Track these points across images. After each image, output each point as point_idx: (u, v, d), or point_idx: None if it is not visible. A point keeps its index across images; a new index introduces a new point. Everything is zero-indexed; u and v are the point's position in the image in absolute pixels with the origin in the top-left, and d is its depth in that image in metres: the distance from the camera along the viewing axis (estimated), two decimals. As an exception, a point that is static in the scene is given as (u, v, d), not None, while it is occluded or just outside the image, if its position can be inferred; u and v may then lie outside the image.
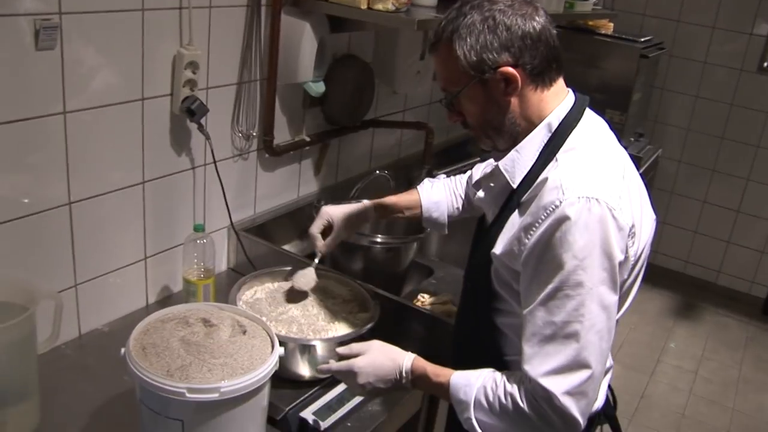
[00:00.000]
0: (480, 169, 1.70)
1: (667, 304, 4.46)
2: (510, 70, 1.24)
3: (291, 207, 2.31)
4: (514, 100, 1.28)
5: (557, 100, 1.31)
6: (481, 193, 1.47)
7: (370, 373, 1.35)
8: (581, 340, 1.15)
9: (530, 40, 1.24)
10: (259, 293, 1.73)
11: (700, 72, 4.28)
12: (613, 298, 1.19)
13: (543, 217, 1.18)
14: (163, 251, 1.89)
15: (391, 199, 1.79)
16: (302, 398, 1.56)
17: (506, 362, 1.36)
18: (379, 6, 1.87)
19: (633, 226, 1.22)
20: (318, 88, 2.15)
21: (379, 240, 2.05)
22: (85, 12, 1.49)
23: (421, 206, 1.77)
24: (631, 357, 3.84)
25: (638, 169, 3.65)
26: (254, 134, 2.08)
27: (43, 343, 1.46)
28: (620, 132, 3.65)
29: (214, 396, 1.22)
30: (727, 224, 4.45)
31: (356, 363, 1.36)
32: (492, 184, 1.41)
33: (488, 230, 1.35)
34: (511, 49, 1.23)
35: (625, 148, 1.38)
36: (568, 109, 1.31)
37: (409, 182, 2.80)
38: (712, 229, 4.51)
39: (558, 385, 1.15)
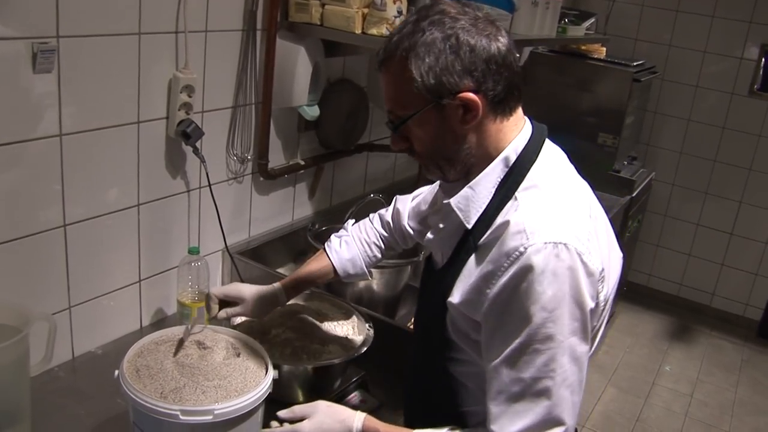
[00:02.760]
0: (406, 202, 1.63)
1: (662, 327, 4.46)
2: (471, 96, 1.11)
3: (285, 230, 2.32)
4: (472, 129, 1.16)
5: (516, 130, 1.20)
6: (430, 235, 1.32)
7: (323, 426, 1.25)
8: (553, 397, 1.08)
9: (495, 65, 1.12)
10: (254, 316, 1.73)
11: (692, 96, 4.32)
12: (584, 349, 1.11)
13: (506, 265, 1.08)
14: (157, 274, 1.89)
15: (301, 275, 1.64)
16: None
17: (463, 414, 1.27)
18: (374, 31, 1.90)
19: (603, 270, 1.13)
20: (312, 111, 2.16)
21: (373, 262, 2.06)
22: (83, 36, 1.50)
23: (335, 270, 1.62)
24: (626, 380, 3.83)
25: (631, 192, 3.68)
26: (249, 157, 2.09)
27: (36, 365, 1.45)
28: (613, 155, 3.68)
29: (208, 418, 1.21)
30: (720, 247, 4.47)
31: (302, 428, 1.26)
32: (441, 225, 1.27)
33: (442, 275, 1.23)
34: (474, 74, 1.11)
35: (590, 183, 1.28)
36: (526, 140, 1.19)
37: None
38: (705, 251, 4.52)
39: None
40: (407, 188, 2.83)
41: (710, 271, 4.54)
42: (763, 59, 4.07)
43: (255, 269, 2.05)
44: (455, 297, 1.17)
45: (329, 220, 2.32)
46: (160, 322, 1.93)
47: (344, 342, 1.66)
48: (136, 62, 1.65)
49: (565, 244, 1.06)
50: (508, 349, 1.09)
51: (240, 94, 1.99)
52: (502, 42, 1.13)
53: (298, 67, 2.03)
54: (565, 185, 1.19)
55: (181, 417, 1.20)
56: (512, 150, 1.18)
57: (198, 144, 1.82)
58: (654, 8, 4.30)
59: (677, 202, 4.53)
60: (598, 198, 1.26)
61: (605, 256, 1.16)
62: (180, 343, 1.41)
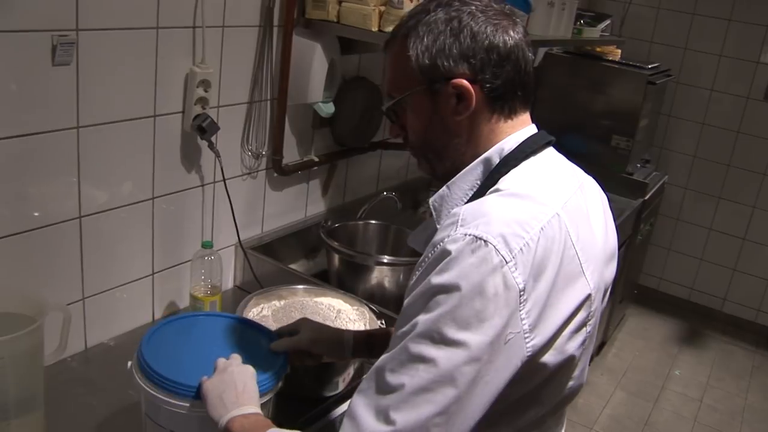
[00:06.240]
0: None
1: (672, 331, 4.44)
2: (465, 83, 1.04)
3: (298, 226, 2.32)
4: (464, 123, 1.07)
5: (512, 133, 1.09)
6: (411, 234, 1.25)
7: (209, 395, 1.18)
8: (401, 391, 0.91)
9: (497, 55, 1.04)
10: (266, 311, 1.74)
11: (707, 99, 4.30)
12: (472, 368, 0.90)
13: (430, 254, 0.97)
14: (170, 267, 1.90)
15: (372, 334, 1.50)
16: (308, 415, 1.56)
17: None
18: (390, 28, 1.90)
19: (524, 291, 0.93)
20: (328, 108, 2.17)
21: (386, 260, 2.06)
22: (102, 29, 1.51)
23: None
24: (636, 384, 3.82)
25: (644, 195, 3.66)
26: (264, 153, 2.09)
27: (50, 355, 1.46)
28: (626, 158, 3.67)
29: (220, 410, 1.22)
30: (732, 252, 4.44)
31: (209, 380, 1.20)
32: (424, 229, 1.19)
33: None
34: (472, 61, 1.03)
35: (602, 185, 1.17)
36: (517, 144, 1.08)
37: (416, 204, 2.81)
38: (717, 256, 4.50)
39: (367, 415, 0.93)
40: (420, 187, 2.86)
41: (722, 276, 4.52)
42: (780, 64, 4.05)
43: (267, 264, 2.06)
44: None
45: (342, 217, 2.32)
46: (173, 315, 1.93)
47: (355, 338, 1.66)
48: (153, 56, 1.66)
49: (485, 241, 0.92)
50: (401, 331, 0.96)
51: (256, 90, 2.00)
52: (511, 36, 1.05)
53: (314, 63, 2.04)
54: (529, 195, 1.01)
55: (191, 409, 1.21)
56: (496, 152, 1.08)
57: (213, 139, 1.83)
58: (670, 11, 4.29)
59: (690, 205, 4.51)
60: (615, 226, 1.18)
61: (545, 280, 0.96)
62: None
